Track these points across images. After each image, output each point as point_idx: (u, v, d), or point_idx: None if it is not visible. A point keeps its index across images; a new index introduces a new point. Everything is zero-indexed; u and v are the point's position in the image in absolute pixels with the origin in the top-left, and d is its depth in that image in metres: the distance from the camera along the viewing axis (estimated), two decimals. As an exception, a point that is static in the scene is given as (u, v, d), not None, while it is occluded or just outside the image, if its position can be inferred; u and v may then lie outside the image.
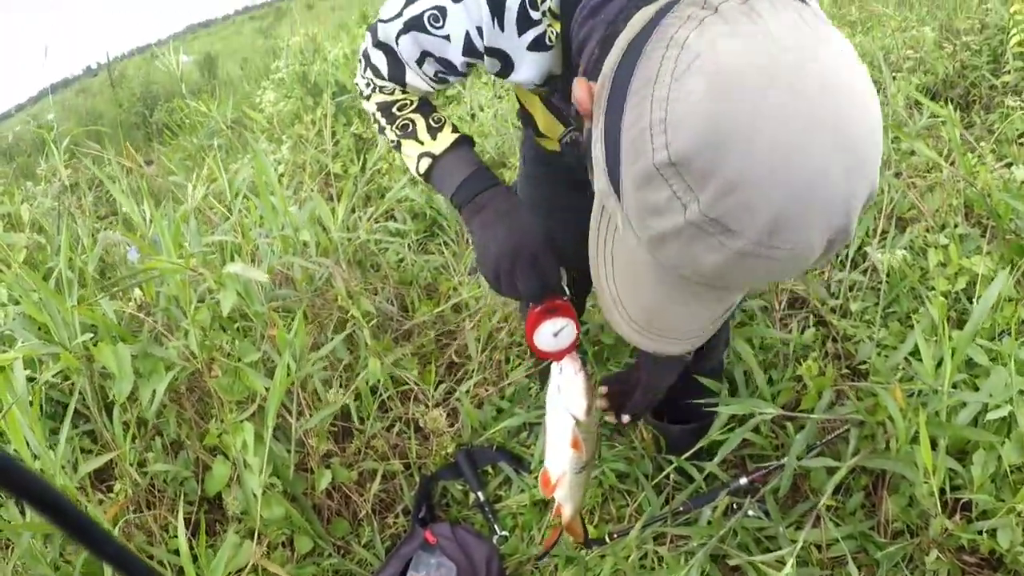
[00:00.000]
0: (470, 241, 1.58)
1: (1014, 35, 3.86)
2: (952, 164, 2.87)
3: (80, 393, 2.07)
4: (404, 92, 1.48)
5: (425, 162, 1.45)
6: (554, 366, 1.59)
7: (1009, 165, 2.87)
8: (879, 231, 2.75)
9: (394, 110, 1.48)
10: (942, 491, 1.78)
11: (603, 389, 1.92)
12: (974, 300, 2.28)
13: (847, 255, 2.74)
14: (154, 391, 1.99)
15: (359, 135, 4.22)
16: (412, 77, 1.39)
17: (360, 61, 1.48)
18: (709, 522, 1.99)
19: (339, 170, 3.88)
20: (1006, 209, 2.41)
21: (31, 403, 1.85)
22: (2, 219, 3.14)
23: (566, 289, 1.51)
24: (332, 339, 2.52)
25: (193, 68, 18.84)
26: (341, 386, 2.32)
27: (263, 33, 25.97)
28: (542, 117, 1.68)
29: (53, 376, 2.07)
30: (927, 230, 2.77)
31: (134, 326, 2.27)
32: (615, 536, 2.05)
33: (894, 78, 4.02)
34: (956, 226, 2.66)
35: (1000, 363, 1.94)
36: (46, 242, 3.00)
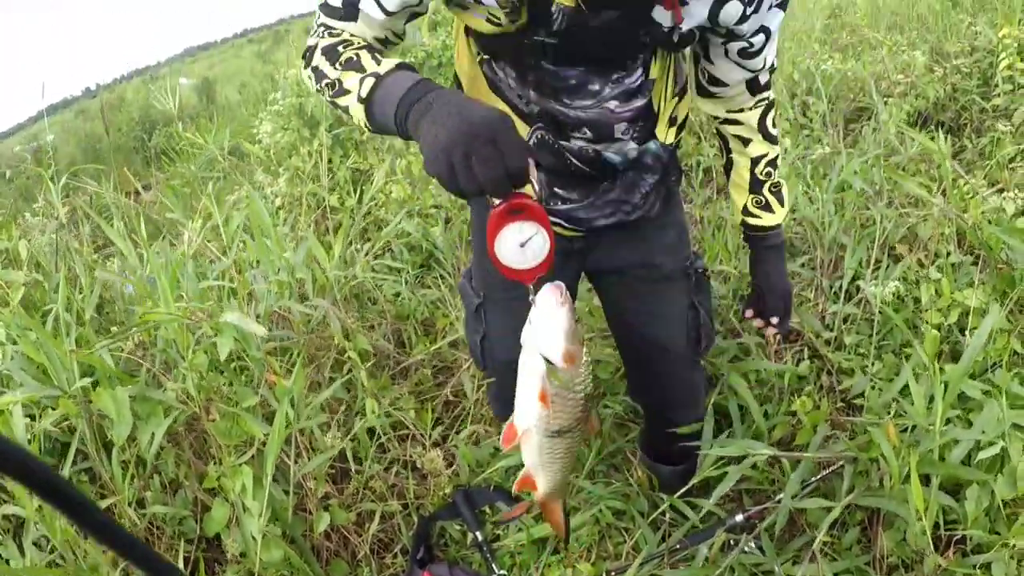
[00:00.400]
0: (419, 149, 1.25)
1: (1003, 59, 3.91)
2: (943, 193, 2.89)
3: (78, 433, 2.08)
4: (353, 35, 1.43)
5: (368, 83, 1.29)
6: (531, 296, 1.37)
7: (1000, 191, 2.89)
8: (872, 261, 2.77)
9: (339, 48, 1.39)
10: (936, 525, 1.79)
11: (748, 313, 2.03)
12: (967, 332, 2.31)
13: (841, 286, 2.76)
14: (153, 434, 2.00)
15: (356, 168, 4.25)
16: (366, 3, 1.39)
17: (317, 14, 1.46)
18: (706, 559, 2.00)
19: (336, 203, 3.91)
20: (997, 241, 2.42)
21: (30, 446, 1.87)
22: (0, 254, 3.14)
23: (535, 186, 1.27)
24: (329, 378, 2.55)
25: (191, 92, 18.99)
26: (339, 427, 2.33)
27: (261, 57, 26.19)
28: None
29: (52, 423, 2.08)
30: (919, 261, 2.79)
31: (131, 365, 2.29)
32: (613, 574, 2.05)
33: (885, 103, 4.05)
34: (949, 255, 2.69)
35: (992, 396, 1.95)
36: (44, 280, 3.01)
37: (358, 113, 1.33)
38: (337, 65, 1.37)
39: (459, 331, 2.91)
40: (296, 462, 2.12)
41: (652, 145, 1.66)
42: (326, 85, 1.39)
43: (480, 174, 1.10)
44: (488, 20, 1.43)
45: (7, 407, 1.90)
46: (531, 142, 1.62)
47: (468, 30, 1.60)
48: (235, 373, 2.28)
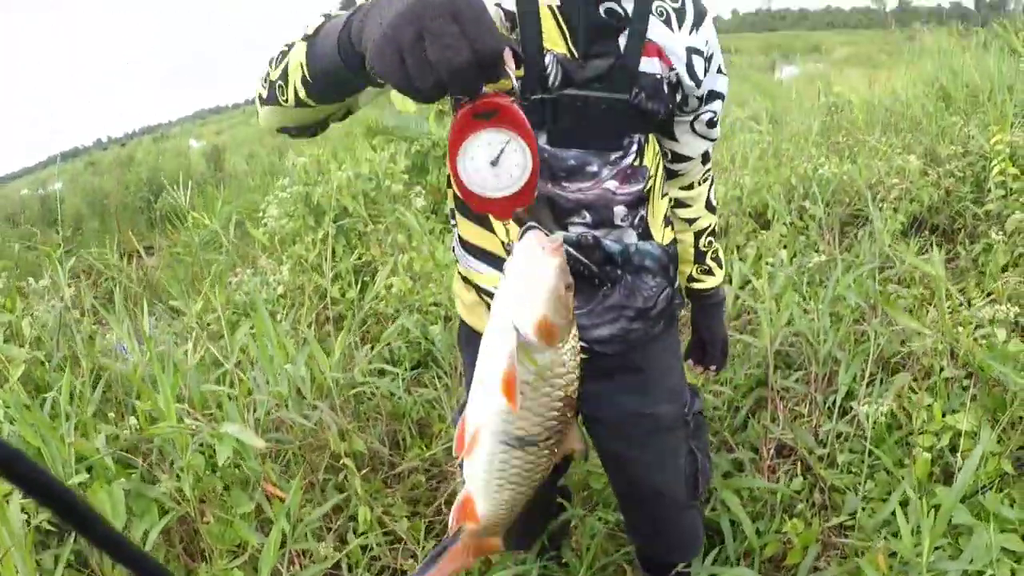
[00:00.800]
0: (364, 44, 0.96)
1: (995, 165, 3.97)
2: (935, 305, 2.94)
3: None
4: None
5: (315, 23, 1.16)
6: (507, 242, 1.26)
7: (994, 301, 2.94)
8: (867, 376, 2.80)
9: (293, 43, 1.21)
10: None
11: (690, 362, 2.09)
12: (959, 453, 2.34)
13: (835, 402, 2.78)
14: (146, 531, 2.02)
15: (361, 258, 4.31)
16: None
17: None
18: None
19: (337, 294, 3.95)
20: (989, 364, 2.46)
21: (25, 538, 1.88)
22: (2, 327, 3.17)
23: (512, 78, 1.03)
24: (323, 479, 2.56)
25: (200, 157, 19.16)
26: (331, 531, 2.34)
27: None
28: None
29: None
30: (914, 377, 2.83)
31: (127, 457, 2.31)
32: None
33: (880, 208, 4.13)
34: (942, 370, 2.71)
35: (983, 519, 1.98)
36: (44, 359, 3.05)
37: (299, 56, 1.15)
38: (285, 47, 1.23)
39: (454, 436, 2.93)
40: (289, 569, 2.14)
41: (649, 246, 1.64)
42: (271, 76, 1.24)
43: (436, 60, 0.86)
44: None
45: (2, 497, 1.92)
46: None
47: None
48: (231, 476, 2.30)
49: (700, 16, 1.55)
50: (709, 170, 1.86)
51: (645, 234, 1.62)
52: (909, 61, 8.58)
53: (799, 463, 2.74)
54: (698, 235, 1.90)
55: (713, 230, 1.92)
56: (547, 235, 1.05)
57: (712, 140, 1.73)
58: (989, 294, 3.26)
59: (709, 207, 1.89)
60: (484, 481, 1.14)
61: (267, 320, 2.48)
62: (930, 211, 4.39)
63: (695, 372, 2.14)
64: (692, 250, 1.92)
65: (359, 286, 4.10)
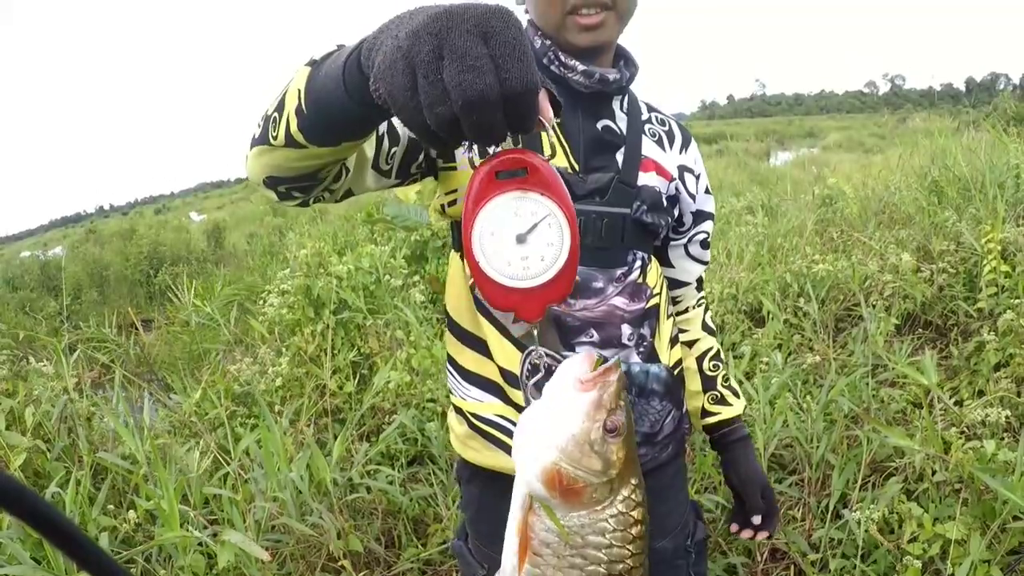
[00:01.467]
0: (373, 63, 0.79)
1: (986, 264, 4.04)
2: (928, 405, 2.97)
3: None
4: None
5: (322, 55, 1.03)
6: (534, 352, 1.04)
7: (986, 404, 2.97)
8: (859, 480, 2.83)
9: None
10: None
11: (734, 527, 1.84)
12: (948, 560, 2.36)
13: (828, 506, 2.81)
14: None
15: (360, 352, 4.36)
16: None
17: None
18: None
19: (335, 387, 3.99)
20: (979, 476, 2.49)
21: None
22: (3, 413, 3.19)
23: (550, 133, 0.97)
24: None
25: (200, 235, 19.32)
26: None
27: (272, 206, 26.77)
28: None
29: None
30: (905, 479, 2.86)
31: (126, 550, 2.33)
32: None
33: (874, 306, 4.20)
34: (934, 473, 2.74)
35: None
36: (45, 448, 3.08)
37: (298, 82, 1.03)
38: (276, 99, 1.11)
39: (449, 535, 2.94)
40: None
41: (655, 368, 1.57)
42: (267, 110, 1.12)
43: (453, 83, 0.71)
44: None
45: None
46: (524, 369, 1.42)
47: (458, 232, 1.50)
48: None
49: (687, 139, 1.64)
50: (703, 296, 1.85)
51: (650, 355, 1.57)
52: (901, 145, 8.73)
53: (792, 567, 2.75)
54: (700, 358, 1.81)
55: (718, 354, 1.83)
56: (603, 357, 0.87)
57: (705, 263, 1.75)
58: (980, 393, 3.31)
59: (707, 329, 1.84)
60: None
61: (272, 426, 2.52)
62: (923, 308, 4.47)
63: (744, 538, 1.86)
64: (699, 377, 1.80)
65: (357, 379, 4.14)
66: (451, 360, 1.59)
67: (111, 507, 2.59)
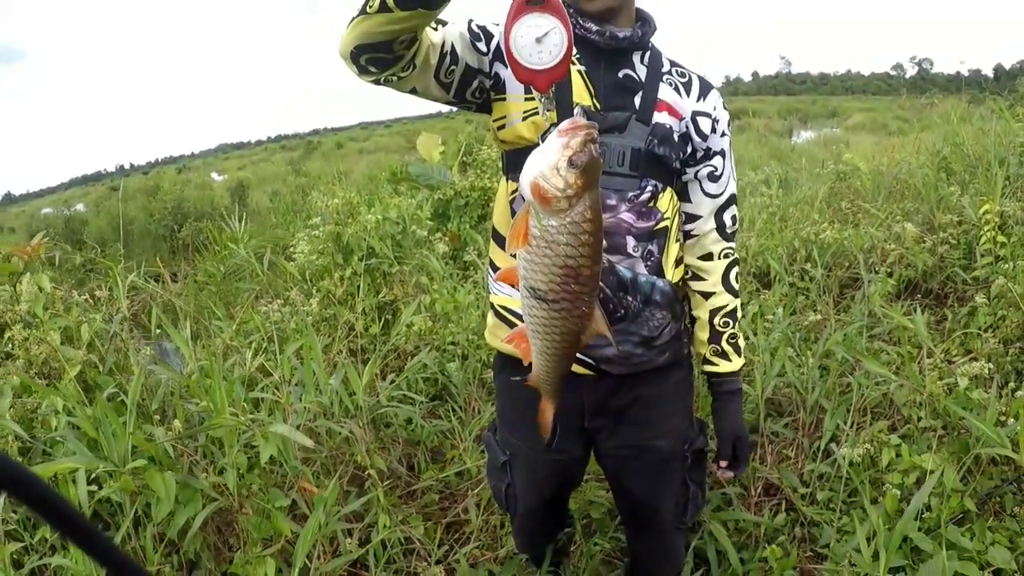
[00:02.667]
0: None
1: (984, 233, 4.22)
2: (919, 362, 3.16)
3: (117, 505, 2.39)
4: None
5: None
6: (540, 105, 1.45)
7: (975, 359, 3.15)
8: (849, 424, 3.04)
9: None
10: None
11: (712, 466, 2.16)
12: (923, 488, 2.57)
13: (819, 447, 3.02)
14: (188, 520, 2.26)
15: (384, 297, 4.58)
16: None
17: None
18: None
19: (361, 328, 4.22)
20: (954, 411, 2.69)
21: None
22: (59, 331, 3.38)
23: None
24: (345, 490, 2.81)
25: (224, 192, 19.39)
26: (352, 535, 2.59)
27: (293, 166, 26.85)
28: None
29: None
30: (893, 426, 3.07)
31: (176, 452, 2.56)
32: None
33: (876, 271, 4.39)
34: (920, 419, 2.93)
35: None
36: (98, 362, 3.29)
37: None
38: None
39: (466, 462, 3.18)
40: (315, 564, 2.38)
41: (660, 282, 1.83)
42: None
43: None
44: (529, 114, 1.74)
45: (69, 473, 2.19)
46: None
47: (505, 160, 1.90)
48: (269, 476, 2.55)
49: (706, 88, 1.90)
50: (731, 248, 2.00)
51: (656, 269, 1.83)
52: (921, 129, 8.80)
53: (783, 501, 2.97)
54: (713, 312, 2.00)
55: (732, 312, 2.01)
56: (583, 124, 1.25)
57: (715, 197, 1.94)
58: (969, 352, 3.50)
59: (728, 286, 2.00)
60: (526, 322, 1.41)
61: (315, 338, 2.76)
62: (924, 276, 4.65)
63: (716, 474, 2.16)
64: (707, 328, 2.01)
65: (382, 322, 4.37)
66: (491, 264, 1.96)
67: (157, 418, 2.82)
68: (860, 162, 7.43)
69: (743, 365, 2.09)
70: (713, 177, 1.94)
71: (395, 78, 1.61)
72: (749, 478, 3.04)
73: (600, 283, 1.66)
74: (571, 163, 1.21)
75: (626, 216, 1.78)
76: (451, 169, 6.78)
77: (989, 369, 2.90)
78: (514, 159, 1.82)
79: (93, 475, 2.37)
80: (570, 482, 2.28)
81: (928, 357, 3.11)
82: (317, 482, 2.76)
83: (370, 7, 1.42)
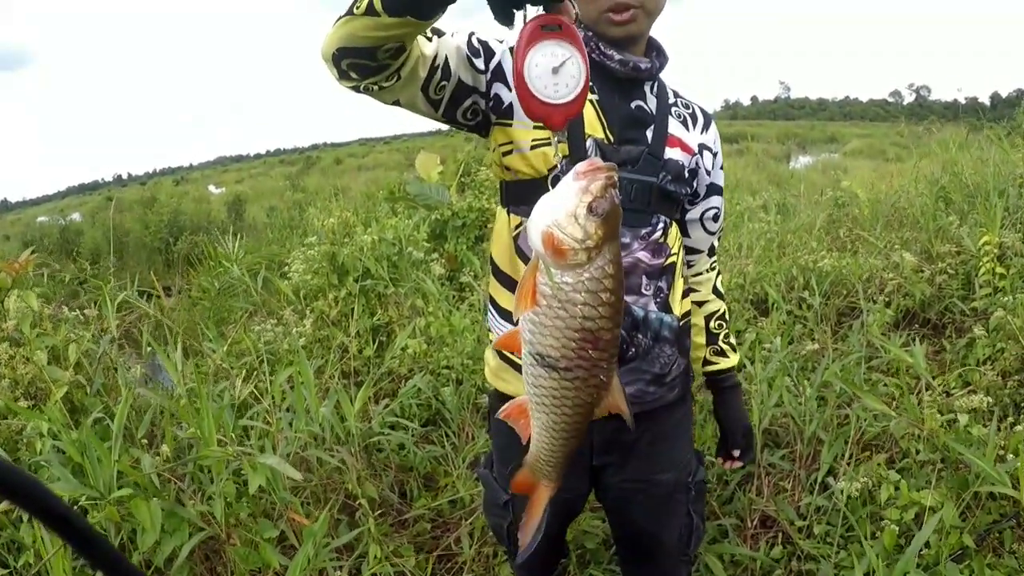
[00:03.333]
0: None
1: (983, 264, 4.20)
2: (917, 394, 3.13)
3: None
4: None
5: None
6: (555, 146, 1.27)
7: (973, 392, 3.12)
8: (847, 456, 3.01)
9: None
10: None
11: (719, 460, 2.19)
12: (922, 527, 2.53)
13: (816, 479, 2.98)
14: (175, 549, 2.21)
15: (379, 319, 4.55)
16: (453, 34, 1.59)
17: None
18: None
19: (355, 350, 4.18)
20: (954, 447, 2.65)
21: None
22: (46, 350, 3.33)
23: (572, 8, 1.36)
24: (336, 519, 2.77)
25: (221, 206, 19.39)
26: (342, 569, 2.54)
27: (291, 181, 26.87)
28: None
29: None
30: (890, 459, 3.03)
31: (161, 480, 2.51)
32: None
33: (874, 302, 4.36)
34: (918, 453, 2.90)
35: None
36: (85, 382, 3.24)
37: None
38: None
39: (459, 490, 3.13)
40: (304, 594, 2.33)
41: (668, 318, 1.80)
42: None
43: None
44: (537, 144, 1.65)
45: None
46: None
47: (506, 190, 1.78)
48: (258, 505, 2.50)
49: (708, 120, 1.90)
50: (715, 261, 2.11)
51: (664, 306, 1.81)
52: (920, 156, 8.82)
53: (780, 534, 2.93)
54: (708, 317, 2.09)
55: (723, 315, 2.12)
56: (600, 166, 1.12)
57: (714, 234, 2.00)
58: (968, 384, 3.47)
59: (716, 292, 2.10)
60: (529, 395, 1.24)
61: (307, 365, 2.72)
62: (922, 306, 4.62)
63: (724, 467, 2.24)
64: (704, 333, 2.09)
65: (376, 345, 4.32)
66: (492, 301, 1.88)
67: (144, 442, 2.78)
68: (859, 189, 7.44)
69: (739, 360, 2.16)
70: (715, 217, 1.97)
71: (376, 87, 1.50)
72: (745, 510, 3.00)
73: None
74: (591, 210, 1.08)
75: (641, 255, 1.75)
76: (449, 189, 6.76)
77: (988, 403, 2.88)
78: (517, 191, 1.74)
79: (77, 503, 2.32)
80: (573, 516, 2.24)
81: (927, 389, 3.08)
82: (307, 510, 2.72)
83: (357, 7, 1.34)
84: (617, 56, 1.68)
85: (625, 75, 1.71)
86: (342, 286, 4.55)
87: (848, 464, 2.97)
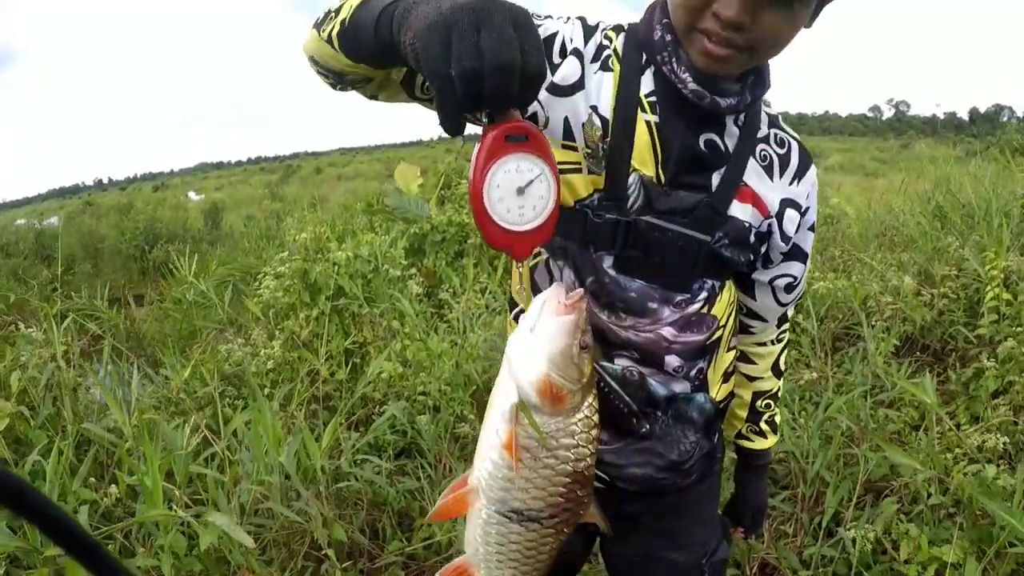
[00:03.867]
0: (407, 35, 0.93)
1: (989, 291, 4.01)
2: (924, 429, 2.94)
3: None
4: None
5: None
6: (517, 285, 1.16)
7: (984, 431, 2.94)
8: (854, 499, 2.80)
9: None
10: None
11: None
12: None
13: (821, 523, 2.77)
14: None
15: (353, 340, 4.31)
16: None
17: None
18: None
19: (326, 373, 3.94)
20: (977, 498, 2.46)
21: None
22: None
23: (541, 107, 1.17)
24: (301, 566, 2.53)
25: (198, 214, 19.26)
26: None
27: (270, 188, 26.80)
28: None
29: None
30: (899, 501, 2.82)
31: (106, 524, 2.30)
32: None
33: (873, 325, 4.17)
34: (929, 496, 2.70)
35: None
36: (29, 415, 3.02)
37: (345, 10, 1.13)
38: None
39: (435, 532, 2.88)
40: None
41: (700, 397, 1.49)
42: (331, 8, 1.20)
43: (488, 49, 0.83)
44: (564, 169, 1.31)
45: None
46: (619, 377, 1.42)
47: None
48: (211, 558, 2.26)
49: (803, 166, 1.44)
50: (784, 332, 1.70)
51: (700, 386, 1.49)
52: (904, 170, 8.70)
53: (783, 582, 2.71)
54: (757, 396, 1.73)
55: (774, 394, 1.75)
56: (569, 289, 1.02)
57: (786, 305, 1.59)
58: (977, 418, 3.28)
59: (776, 370, 1.72)
60: (483, 553, 1.08)
61: (263, 407, 2.46)
62: (922, 331, 4.43)
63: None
64: (747, 408, 1.75)
65: (349, 367, 4.08)
66: (512, 302, 1.58)
67: (92, 480, 2.54)
68: (847, 207, 7.30)
69: (777, 442, 1.84)
70: (790, 288, 1.55)
71: (351, 89, 1.32)
72: (744, 555, 2.78)
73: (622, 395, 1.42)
74: (583, 346, 0.99)
75: (667, 331, 1.40)
76: (429, 202, 6.54)
77: (1004, 444, 2.70)
78: None
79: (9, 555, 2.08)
80: (571, 573, 1.96)
81: (937, 424, 2.89)
82: (269, 555, 2.48)
83: (322, 30, 1.19)
84: (692, 85, 1.27)
85: (700, 107, 1.29)
86: (314, 305, 4.31)
87: (856, 508, 2.77)
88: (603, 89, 1.32)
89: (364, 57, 1.14)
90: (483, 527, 1.05)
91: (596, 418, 1.03)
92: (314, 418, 3.68)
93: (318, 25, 1.22)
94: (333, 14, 1.17)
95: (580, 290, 1.03)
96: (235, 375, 4.05)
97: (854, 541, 2.48)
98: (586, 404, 1.00)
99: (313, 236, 4.65)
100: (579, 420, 0.99)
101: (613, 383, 1.41)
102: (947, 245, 5.10)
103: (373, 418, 3.62)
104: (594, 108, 1.31)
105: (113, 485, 2.36)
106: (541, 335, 0.97)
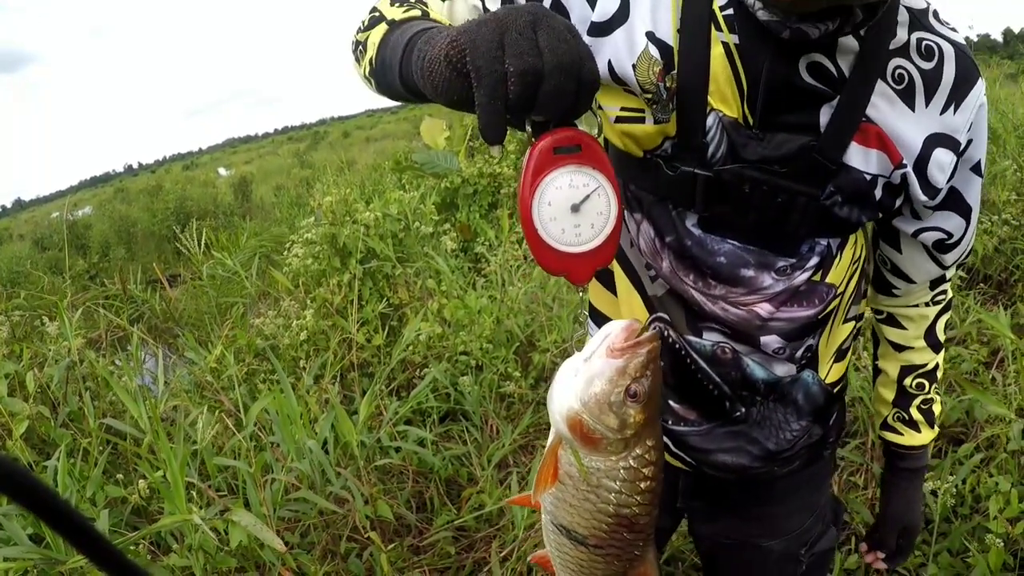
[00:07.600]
0: (424, 64, 0.80)
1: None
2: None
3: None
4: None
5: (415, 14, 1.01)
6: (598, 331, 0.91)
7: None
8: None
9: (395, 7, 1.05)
10: None
11: (863, 546, 1.57)
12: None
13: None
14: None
15: (389, 304, 4.16)
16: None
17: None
18: None
19: (363, 340, 3.78)
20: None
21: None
22: (6, 378, 2.98)
23: (596, 116, 0.99)
24: (345, 549, 2.40)
25: (228, 188, 19.28)
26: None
27: (299, 157, 26.75)
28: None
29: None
30: (976, 447, 2.63)
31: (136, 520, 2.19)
32: None
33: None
34: (1008, 441, 2.50)
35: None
36: (49, 414, 2.92)
37: (376, 37, 1.01)
38: (371, 16, 1.07)
39: (485, 502, 2.72)
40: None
41: (808, 378, 1.24)
42: (358, 35, 1.10)
43: (548, 47, 0.74)
44: (624, 118, 1.11)
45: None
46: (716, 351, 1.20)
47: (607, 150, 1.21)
48: (244, 555, 2.13)
49: (966, 83, 1.05)
50: (942, 293, 1.36)
51: (809, 363, 1.24)
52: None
53: (853, 538, 2.52)
54: (906, 369, 1.40)
55: (931, 373, 1.39)
56: (642, 330, 0.88)
57: (947, 267, 1.26)
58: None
59: (931, 339, 1.38)
60: (549, 553, 1.05)
61: (288, 389, 2.29)
62: (983, 261, 4.18)
63: (864, 558, 1.60)
64: (894, 388, 1.42)
65: (386, 331, 3.93)
66: (592, 309, 1.39)
67: (120, 476, 2.42)
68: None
69: (935, 438, 1.47)
70: (942, 246, 1.21)
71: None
72: None
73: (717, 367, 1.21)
74: (631, 395, 0.86)
75: (763, 308, 1.15)
76: (458, 155, 6.34)
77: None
78: (616, 160, 1.16)
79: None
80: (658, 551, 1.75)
81: (1013, 362, 2.67)
82: (308, 542, 2.35)
83: (359, 68, 1.12)
84: (762, 13, 0.98)
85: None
86: (345, 269, 4.15)
87: (931, 456, 2.57)
88: (660, 6, 1.04)
89: (405, 98, 1.02)
90: (544, 531, 1.02)
91: (648, 471, 0.91)
92: (352, 388, 3.54)
93: (354, 55, 1.13)
94: (361, 49, 1.08)
95: (652, 331, 0.89)
96: (271, 348, 3.92)
97: (935, 493, 2.26)
98: (634, 454, 0.89)
99: (339, 199, 4.47)
100: (623, 468, 0.89)
101: (701, 361, 1.20)
102: (1004, 169, 4.82)
103: (414, 382, 3.47)
104: (650, 35, 1.04)
105: (142, 480, 2.24)
106: (584, 371, 0.87)
